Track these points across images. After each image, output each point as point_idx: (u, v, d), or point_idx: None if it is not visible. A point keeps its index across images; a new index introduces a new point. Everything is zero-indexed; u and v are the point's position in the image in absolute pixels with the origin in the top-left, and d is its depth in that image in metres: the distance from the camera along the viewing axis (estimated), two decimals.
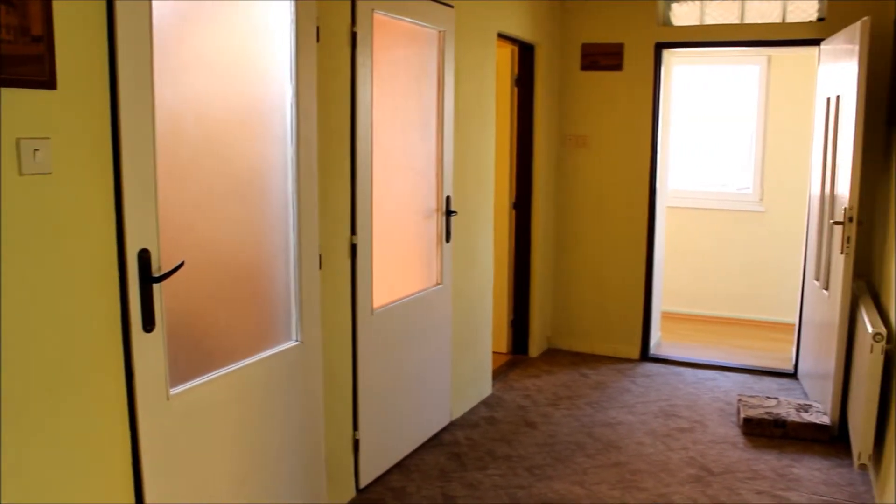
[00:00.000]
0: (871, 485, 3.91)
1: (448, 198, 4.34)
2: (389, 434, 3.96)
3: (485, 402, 5.00)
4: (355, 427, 3.68)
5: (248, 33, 2.85)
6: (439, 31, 4.17)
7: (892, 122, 4.51)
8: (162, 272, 2.36)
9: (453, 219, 4.43)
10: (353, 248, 3.55)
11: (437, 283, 4.33)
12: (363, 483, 3.77)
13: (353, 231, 3.54)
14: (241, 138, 2.83)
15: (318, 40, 3.13)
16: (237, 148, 2.81)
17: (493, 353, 5.36)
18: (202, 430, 2.60)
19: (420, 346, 4.19)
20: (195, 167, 2.62)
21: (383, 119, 3.79)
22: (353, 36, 3.42)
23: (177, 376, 2.51)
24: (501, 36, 5.09)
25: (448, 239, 4.37)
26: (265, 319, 3.04)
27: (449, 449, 4.28)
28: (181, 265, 2.41)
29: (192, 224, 2.63)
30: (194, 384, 2.58)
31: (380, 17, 3.64)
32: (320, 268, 3.26)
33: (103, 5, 2.14)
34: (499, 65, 5.32)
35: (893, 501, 3.14)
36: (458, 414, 4.72)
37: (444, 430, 4.52)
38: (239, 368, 2.79)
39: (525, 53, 5.65)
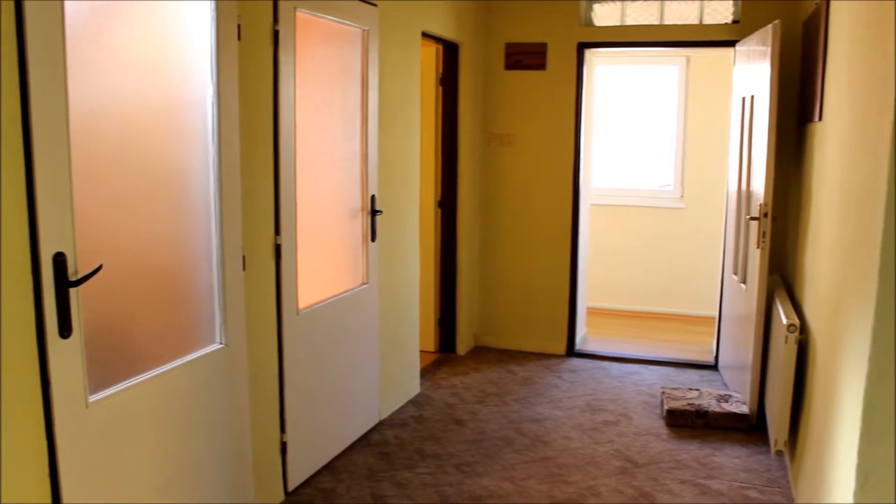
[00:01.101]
0: (787, 470, 4.05)
1: (373, 197, 4.33)
2: (318, 435, 3.93)
3: (413, 401, 5.00)
4: (282, 429, 3.63)
5: (168, 31, 2.79)
6: (363, 30, 4.16)
7: (803, 121, 4.67)
8: (79, 276, 2.29)
9: (379, 218, 4.42)
10: (278, 248, 3.51)
11: (364, 283, 4.32)
12: (292, 485, 3.73)
13: (278, 231, 3.50)
14: (161, 138, 2.77)
15: (239, 38, 3.08)
16: (157, 148, 2.75)
17: (421, 351, 5.37)
18: (123, 438, 2.54)
19: (347, 347, 4.17)
20: (114, 168, 2.55)
21: (307, 118, 3.76)
22: (276, 34, 3.37)
23: (96, 383, 2.44)
24: (426, 35, 5.10)
25: (373, 238, 4.35)
26: (188, 322, 2.98)
27: (378, 449, 4.27)
28: (99, 268, 2.34)
29: (111, 226, 2.56)
30: (114, 391, 2.51)
31: (302, 16, 3.60)
32: (244, 269, 3.21)
33: (11, 5, 2.06)
34: (423, 64, 5.32)
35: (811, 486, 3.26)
36: (386, 413, 4.71)
37: (373, 429, 4.51)
38: (161, 373, 2.73)
39: (449, 53, 5.67)
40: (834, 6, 3.71)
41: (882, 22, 2.46)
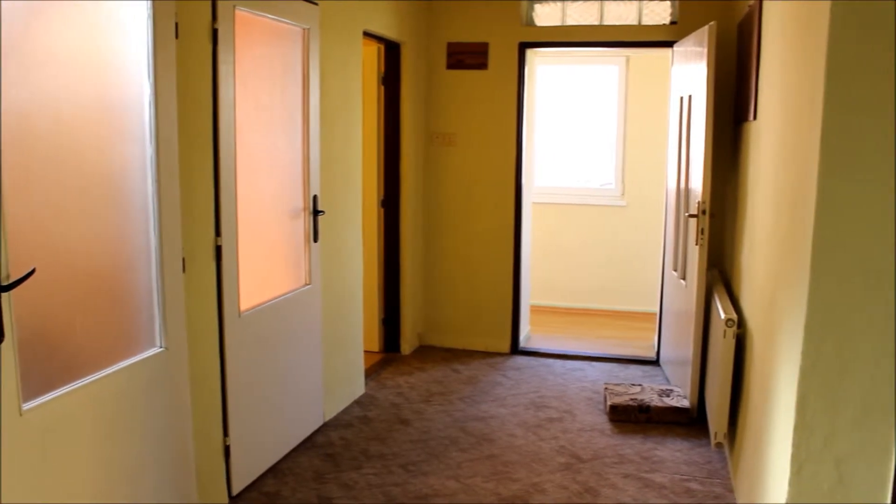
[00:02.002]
0: (727, 461, 4.14)
1: (315, 197, 4.30)
2: (262, 438, 3.89)
3: (358, 402, 4.98)
4: (226, 433, 3.59)
5: (103, 29, 2.73)
6: (304, 29, 4.12)
7: (739, 120, 4.77)
8: (11, 280, 2.23)
9: (321, 218, 4.39)
10: (218, 249, 3.46)
11: (306, 284, 4.28)
12: (236, 489, 3.69)
13: (218, 232, 3.45)
14: (97, 138, 2.71)
15: (177, 37, 3.04)
16: (93, 148, 2.69)
17: (365, 352, 5.35)
18: (60, 446, 2.48)
19: (290, 348, 4.13)
20: (48, 168, 2.49)
21: (247, 118, 3.72)
22: (215, 33, 3.33)
23: (31, 390, 2.37)
24: (367, 34, 5.08)
25: (316, 238, 4.32)
26: (127, 326, 2.92)
27: (323, 450, 4.24)
28: (32, 272, 2.28)
29: (45, 228, 2.50)
30: (50, 398, 2.45)
31: (242, 14, 3.56)
32: (184, 271, 3.16)
33: None
34: (365, 63, 5.31)
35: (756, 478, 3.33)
36: (331, 414, 4.68)
37: (318, 431, 4.48)
38: (98, 379, 2.67)
39: (391, 52, 5.66)
40: (766, 7, 3.80)
41: (811, 22, 2.53)
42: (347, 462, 4.10)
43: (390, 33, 5.36)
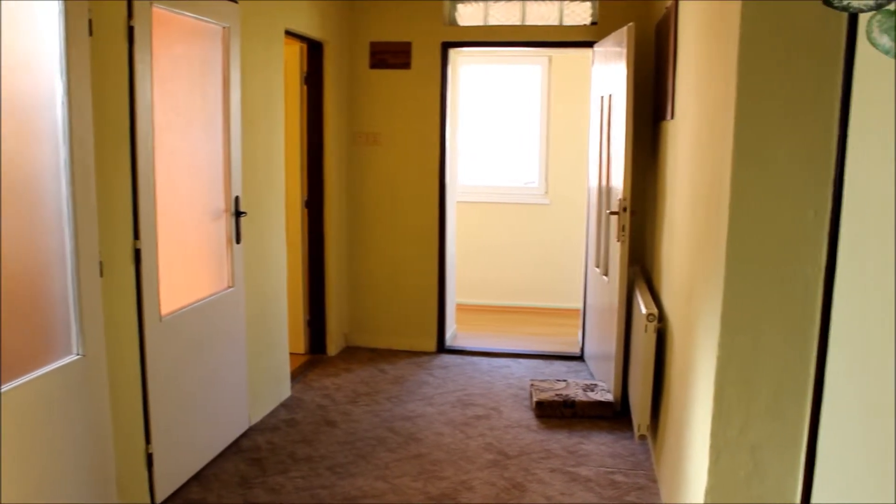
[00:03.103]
0: (650, 452, 4.23)
1: (237, 198, 4.23)
2: (186, 444, 3.81)
3: (284, 405, 4.93)
4: (148, 440, 3.50)
5: (12, 26, 2.63)
6: (224, 28, 4.06)
7: (657, 119, 4.89)
8: None
9: (243, 219, 4.32)
10: (137, 253, 3.38)
11: (229, 286, 4.22)
12: (160, 498, 3.60)
13: (137, 235, 3.37)
14: (6, 137, 2.62)
15: (90, 34, 2.95)
16: (3, 148, 2.60)
17: (291, 353, 5.30)
18: None
19: (214, 352, 4.06)
20: None
21: (167, 118, 3.64)
22: (131, 30, 3.25)
23: None
24: (289, 33, 5.03)
25: (238, 240, 4.26)
26: (41, 333, 2.83)
27: (249, 455, 4.18)
28: None
29: None
30: None
31: (159, 11, 3.48)
32: (101, 275, 3.08)
33: None
34: (287, 62, 5.25)
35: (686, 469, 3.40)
36: (257, 418, 4.62)
37: (244, 435, 4.41)
38: (12, 389, 2.58)
39: (314, 51, 5.61)
40: (682, 8, 3.89)
41: (724, 23, 2.61)
42: (274, 466, 4.05)
43: (312, 32, 5.32)
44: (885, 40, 1.20)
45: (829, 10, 1.23)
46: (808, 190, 2.31)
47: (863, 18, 1.24)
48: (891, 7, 1.17)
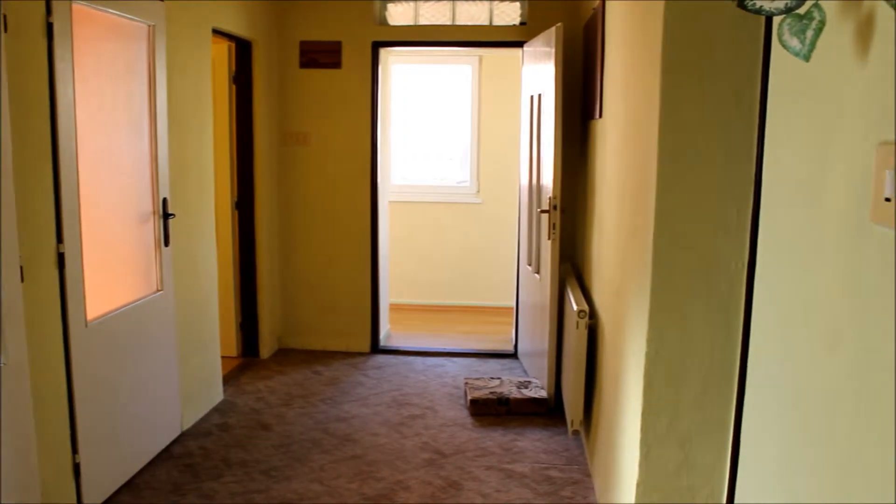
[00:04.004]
0: (584, 447, 4.29)
1: (165, 200, 4.15)
2: (115, 452, 3.72)
3: (217, 409, 4.85)
4: (75, 450, 3.41)
5: None
6: (149, 26, 3.97)
7: (586, 118, 4.96)
8: None
9: (172, 221, 4.24)
10: (61, 257, 3.29)
11: (158, 290, 4.13)
12: None
13: (60, 239, 3.27)
14: None
15: (5, 31, 2.86)
16: None
17: (223, 357, 5.22)
18: None
19: (143, 357, 3.98)
20: None
21: (90, 118, 3.54)
22: (49, 27, 3.15)
23: None
24: (217, 32, 4.95)
25: (167, 243, 4.18)
26: None
27: (181, 461, 4.11)
28: None
29: None
30: None
31: (80, 8, 3.39)
32: (22, 280, 2.98)
33: None
34: (215, 62, 5.17)
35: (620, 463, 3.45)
36: (189, 423, 4.54)
37: (175, 441, 4.33)
38: None
39: (242, 50, 5.53)
40: (609, 9, 3.96)
41: (648, 23, 2.66)
42: (207, 471, 3.99)
43: (241, 31, 5.24)
44: (795, 43, 1.24)
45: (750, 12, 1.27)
46: (730, 187, 2.37)
47: (777, 21, 1.28)
48: (800, 11, 1.21)
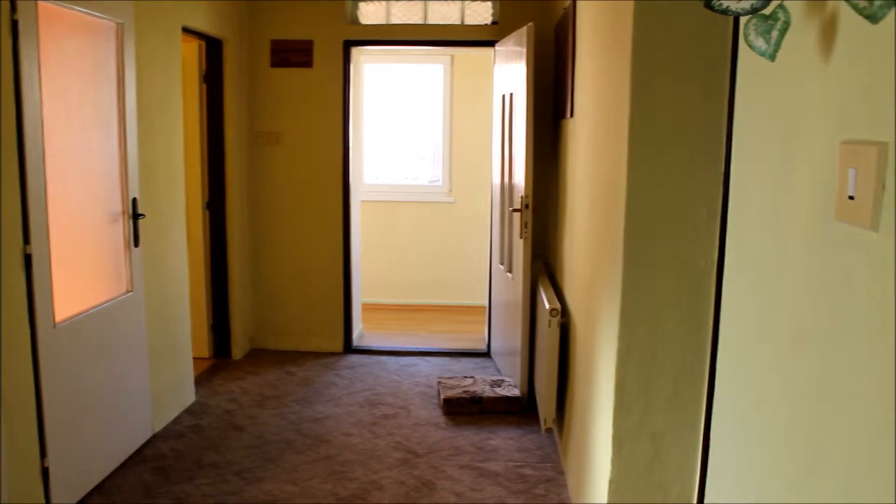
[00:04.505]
0: (557, 445, 4.31)
1: (135, 200, 4.11)
2: (86, 456, 3.68)
3: (189, 411, 4.82)
4: (43, 453, 3.36)
5: None
6: (118, 24, 3.93)
7: (557, 117, 4.98)
8: None
9: (142, 222, 4.20)
10: (28, 258, 3.24)
11: (128, 291, 4.09)
12: None
13: (27, 240, 3.23)
14: None
15: None
16: None
17: (195, 358, 5.17)
18: None
19: (113, 359, 3.94)
20: None
21: (58, 117, 3.50)
22: (14, 24, 3.11)
23: None
24: (187, 30, 4.91)
25: (137, 243, 4.14)
26: None
27: (153, 463, 4.07)
28: None
29: None
30: None
31: (46, 6, 3.35)
32: None
33: None
34: (186, 61, 5.13)
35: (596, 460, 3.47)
36: (161, 426, 4.50)
37: (148, 443, 4.29)
38: None
39: (213, 49, 5.50)
40: (580, 8, 3.98)
41: (618, 22, 2.67)
42: (179, 474, 3.96)
43: (211, 30, 5.21)
44: (761, 43, 1.25)
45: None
46: (700, 186, 2.39)
47: (743, 21, 1.30)
48: (765, 12, 1.23)
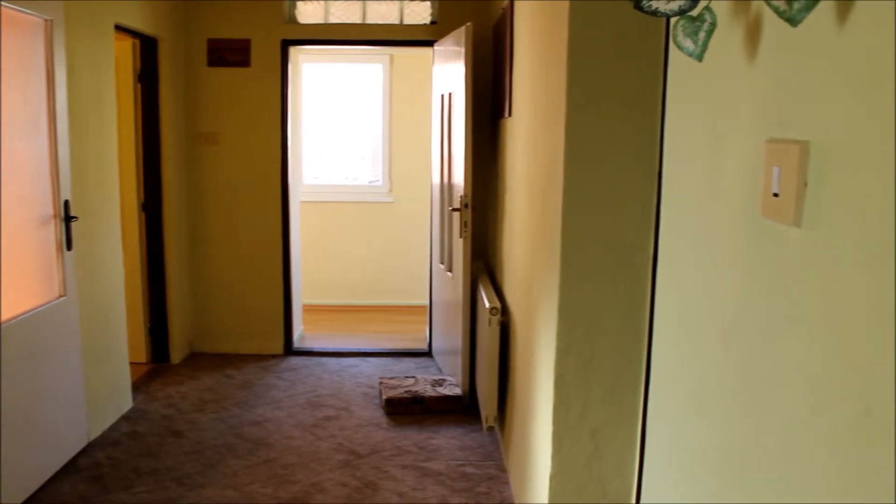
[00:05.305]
0: (499, 443, 4.34)
1: (67, 202, 4.01)
2: (16, 468, 3.57)
3: (126, 417, 4.72)
4: None
5: None
6: (46, 21, 3.83)
7: (496, 117, 5.01)
8: None
9: (75, 224, 4.10)
10: None
11: (61, 296, 3.99)
12: None
13: None
14: None
15: None
16: None
17: (132, 363, 5.07)
18: None
19: (46, 365, 3.84)
20: None
21: None
22: None
23: None
24: (120, 28, 4.81)
25: (69, 246, 4.04)
26: None
27: (88, 472, 3.98)
28: None
29: None
30: None
31: None
32: None
33: None
34: (119, 59, 5.02)
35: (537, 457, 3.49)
36: (96, 433, 4.40)
37: (82, 452, 4.19)
38: None
39: (148, 48, 5.39)
40: (517, 8, 4.00)
41: (555, 25, 2.70)
42: (116, 482, 3.88)
43: (146, 28, 5.11)
44: (689, 44, 1.28)
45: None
46: (635, 183, 2.43)
47: (673, 22, 1.33)
48: (693, 13, 1.26)
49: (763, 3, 1.14)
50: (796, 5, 1.05)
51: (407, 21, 5.91)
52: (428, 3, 5.87)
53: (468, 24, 4.73)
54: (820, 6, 1.06)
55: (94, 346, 4.39)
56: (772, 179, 1.22)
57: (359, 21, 5.93)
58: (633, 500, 2.50)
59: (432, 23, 5.86)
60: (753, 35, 1.32)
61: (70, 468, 4.02)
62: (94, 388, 4.37)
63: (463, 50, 4.73)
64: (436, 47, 5.72)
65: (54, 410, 3.93)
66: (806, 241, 1.15)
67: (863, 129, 1.01)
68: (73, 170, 4.10)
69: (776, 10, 1.09)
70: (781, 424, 1.23)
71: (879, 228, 0.96)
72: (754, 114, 1.34)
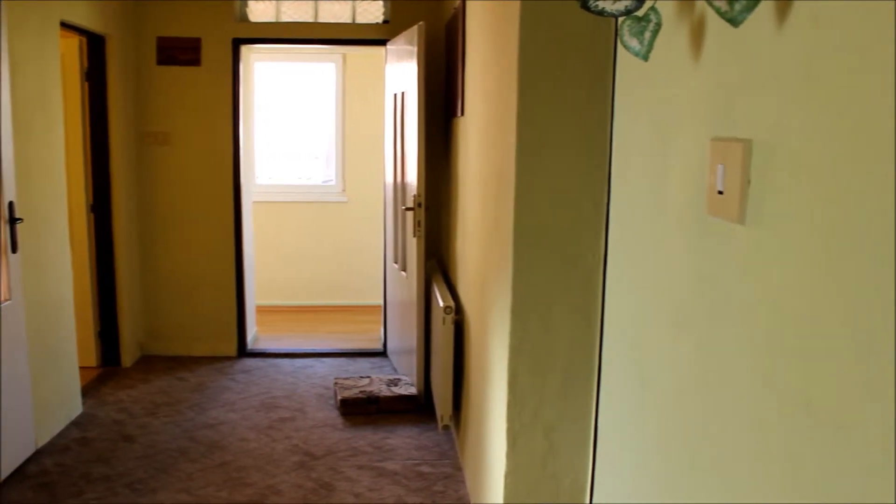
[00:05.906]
0: (455, 442, 4.35)
1: (11, 203, 3.93)
2: None
3: (75, 423, 4.63)
4: None
5: None
6: None
7: (449, 116, 5.02)
8: None
9: (20, 226, 4.01)
10: None
11: (6, 300, 3.91)
12: None
13: None
14: None
15: None
16: None
17: (81, 367, 4.97)
18: None
19: None
20: None
21: None
22: None
23: None
24: (66, 25, 4.72)
25: (14, 249, 3.95)
26: None
27: (36, 480, 3.89)
28: None
29: None
30: None
31: None
32: None
33: None
34: (66, 57, 4.93)
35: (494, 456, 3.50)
36: (44, 440, 4.31)
37: (30, 460, 4.10)
38: None
39: (95, 45, 5.29)
40: (469, 8, 4.02)
41: (506, 24, 2.72)
42: (66, 490, 3.80)
43: (93, 25, 5.02)
44: (635, 43, 1.30)
45: None
46: (586, 182, 2.45)
47: (620, 22, 1.34)
48: (639, 13, 1.27)
49: (706, 5, 1.16)
50: (737, 6, 1.07)
51: (359, 20, 5.90)
52: (380, 3, 5.86)
53: (421, 23, 4.73)
54: (760, 7, 1.09)
55: (41, 350, 4.30)
56: (716, 177, 1.25)
57: (311, 20, 5.90)
58: (587, 497, 2.52)
59: (385, 22, 5.85)
60: (698, 35, 1.34)
61: (17, 476, 3.93)
62: (41, 394, 4.28)
63: (415, 49, 4.73)
64: (388, 46, 5.71)
65: (4, 416, 3.84)
66: (750, 238, 1.17)
67: (801, 128, 1.03)
68: (17, 170, 4.01)
69: (718, 11, 1.11)
70: (728, 418, 1.25)
71: (818, 225, 0.98)
72: (699, 112, 1.36)
